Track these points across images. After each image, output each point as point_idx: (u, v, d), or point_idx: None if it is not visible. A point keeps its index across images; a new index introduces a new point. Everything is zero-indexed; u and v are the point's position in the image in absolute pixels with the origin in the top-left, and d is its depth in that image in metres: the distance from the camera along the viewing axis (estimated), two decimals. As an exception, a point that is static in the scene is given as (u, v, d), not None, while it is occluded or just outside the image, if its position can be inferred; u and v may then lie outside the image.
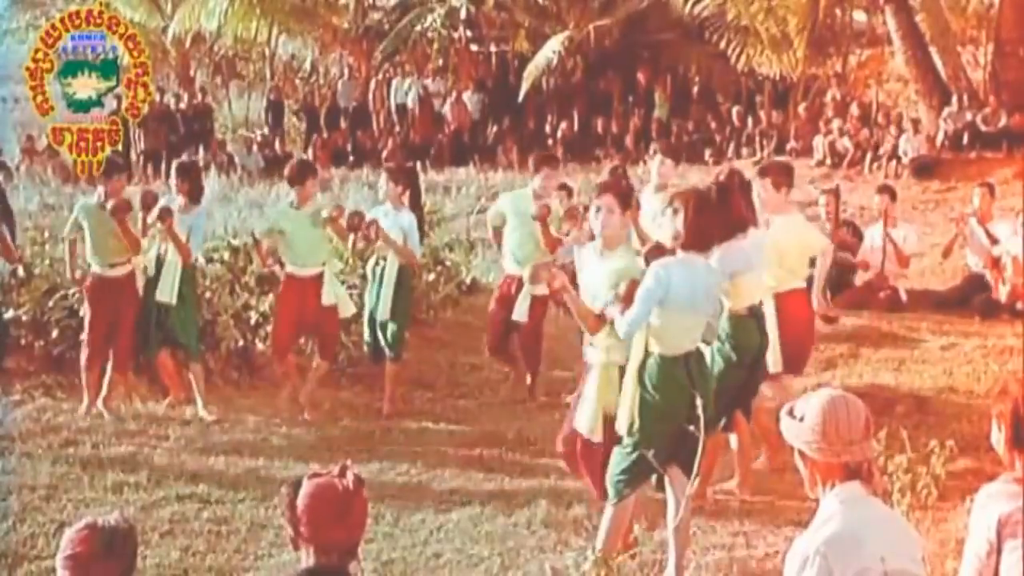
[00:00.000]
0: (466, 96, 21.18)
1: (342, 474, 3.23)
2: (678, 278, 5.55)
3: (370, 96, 21.72)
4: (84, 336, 8.54)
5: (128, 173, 8.80)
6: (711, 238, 5.78)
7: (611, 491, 5.73)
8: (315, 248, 8.56)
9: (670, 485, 5.72)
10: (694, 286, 5.60)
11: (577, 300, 5.73)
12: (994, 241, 10.65)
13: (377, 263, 8.69)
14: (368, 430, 8.34)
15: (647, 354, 5.62)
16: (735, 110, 19.68)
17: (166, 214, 8.34)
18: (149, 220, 8.40)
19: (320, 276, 8.53)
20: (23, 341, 9.19)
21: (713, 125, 19.66)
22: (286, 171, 8.78)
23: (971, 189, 11.78)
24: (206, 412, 8.48)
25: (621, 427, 5.69)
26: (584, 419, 5.92)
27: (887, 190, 11.26)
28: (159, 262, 8.46)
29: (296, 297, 8.54)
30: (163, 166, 17.48)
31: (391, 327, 8.63)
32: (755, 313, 6.74)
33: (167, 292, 8.44)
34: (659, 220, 5.96)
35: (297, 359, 8.86)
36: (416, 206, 9.82)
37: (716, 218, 5.79)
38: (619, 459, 5.69)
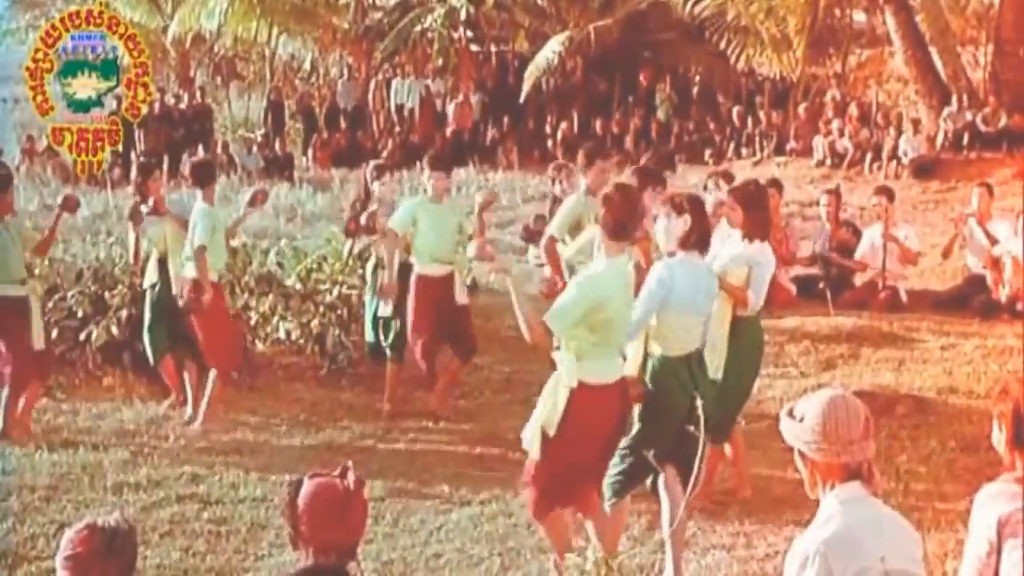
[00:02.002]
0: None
1: (343, 474, 3.23)
2: (681, 278, 5.56)
3: (370, 96, 21.72)
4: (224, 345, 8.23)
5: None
6: (710, 239, 5.81)
7: (608, 491, 5.72)
8: (451, 244, 8.38)
9: (664, 487, 5.71)
10: (696, 286, 5.61)
11: (523, 300, 5.22)
12: (994, 241, 10.64)
13: (378, 263, 8.67)
14: (369, 430, 8.34)
15: (647, 356, 5.61)
16: (735, 110, 19.67)
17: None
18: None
19: (451, 275, 8.36)
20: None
21: (713, 125, 19.65)
22: (428, 157, 8.53)
23: (971, 189, 11.76)
24: (201, 414, 8.36)
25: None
26: (527, 432, 5.49)
27: (885, 191, 11.24)
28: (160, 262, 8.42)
29: (431, 298, 8.28)
30: (163, 166, 17.45)
31: (392, 327, 8.61)
32: (759, 315, 6.77)
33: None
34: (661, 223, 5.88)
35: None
36: None
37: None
38: (617, 459, 5.69)
